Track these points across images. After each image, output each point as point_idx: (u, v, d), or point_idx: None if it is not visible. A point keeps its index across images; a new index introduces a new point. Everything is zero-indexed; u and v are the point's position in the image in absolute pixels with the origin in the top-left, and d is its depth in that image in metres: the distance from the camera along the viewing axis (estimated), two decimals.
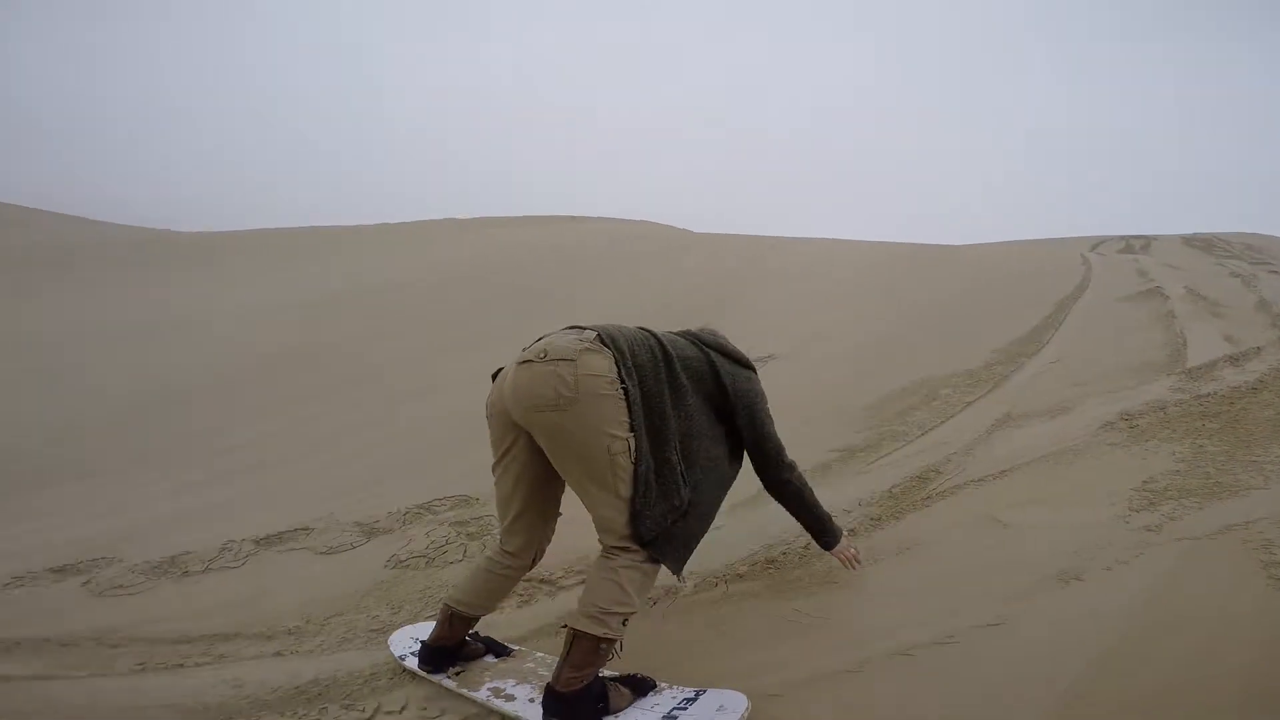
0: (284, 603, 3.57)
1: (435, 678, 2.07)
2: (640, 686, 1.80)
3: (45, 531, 4.51)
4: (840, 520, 2.80)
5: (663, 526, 1.73)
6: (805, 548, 2.82)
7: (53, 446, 5.71)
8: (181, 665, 2.95)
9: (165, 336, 7.88)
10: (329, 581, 3.73)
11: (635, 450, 1.69)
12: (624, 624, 1.74)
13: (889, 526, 3.09)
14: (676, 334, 2.05)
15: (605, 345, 1.75)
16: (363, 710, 2.12)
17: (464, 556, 3.68)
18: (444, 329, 7.55)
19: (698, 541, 1.88)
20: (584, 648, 1.67)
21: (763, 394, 2.07)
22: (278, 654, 3.00)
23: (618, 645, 1.73)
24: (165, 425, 5.97)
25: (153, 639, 3.24)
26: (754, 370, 2.08)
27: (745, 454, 2.09)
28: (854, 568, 2.38)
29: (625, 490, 1.70)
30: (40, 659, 3.16)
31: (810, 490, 2.21)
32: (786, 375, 5.81)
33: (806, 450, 4.15)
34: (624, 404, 1.69)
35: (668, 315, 7.28)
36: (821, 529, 2.30)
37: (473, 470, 4.69)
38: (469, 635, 2.12)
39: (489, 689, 1.94)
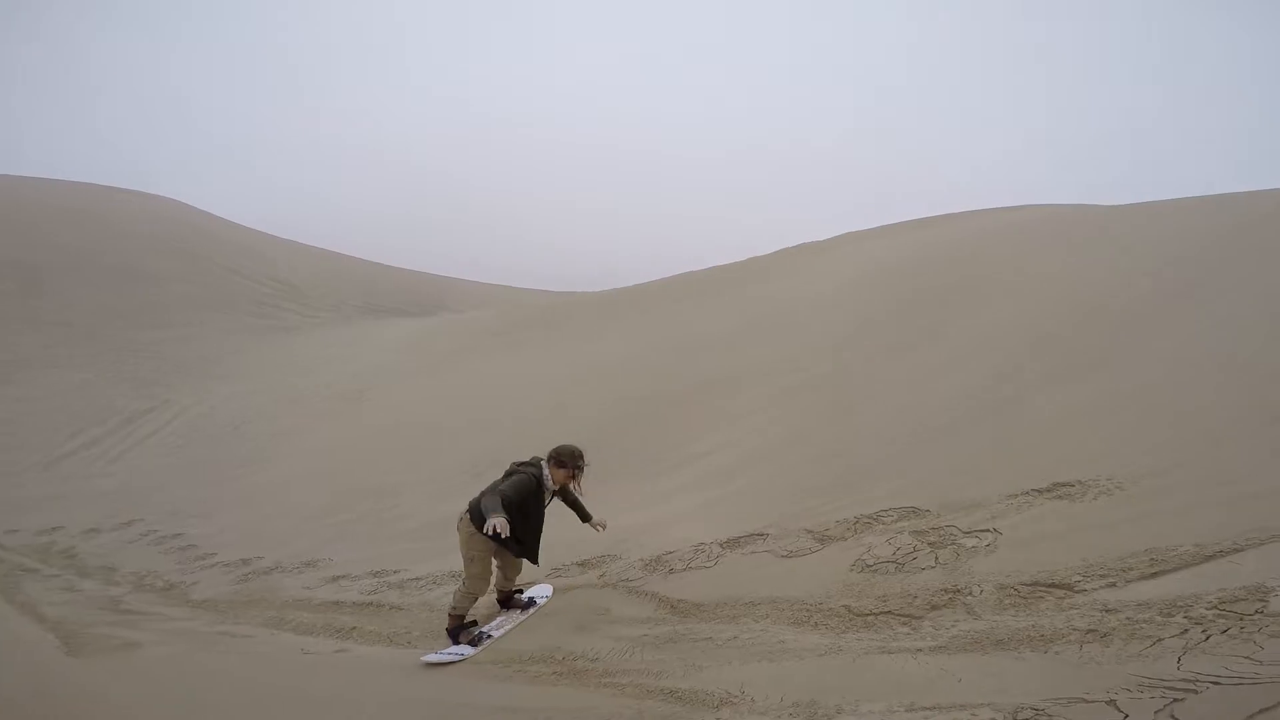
0: (760, 598, 4.04)
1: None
2: (478, 639, 4.25)
3: (563, 530, 5.90)
4: None
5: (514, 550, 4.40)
6: None
7: None
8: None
9: (623, 370, 9.87)
10: (796, 582, 4.07)
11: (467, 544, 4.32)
12: (455, 607, 4.34)
13: None
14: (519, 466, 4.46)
15: (467, 514, 4.28)
16: None
17: (935, 563, 3.63)
18: (874, 332, 7.72)
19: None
20: (449, 614, 4.33)
21: (510, 483, 4.26)
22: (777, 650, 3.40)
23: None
24: (641, 441, 7.42)
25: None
26: (521, 473, 4.36)
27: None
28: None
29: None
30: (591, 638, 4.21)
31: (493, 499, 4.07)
32: None
33: None
34: (473, 531, 4.21)
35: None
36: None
37: (915, 484, 4.64)
38: (515, 593, 4.70)
39: (499, 620, 4.56)
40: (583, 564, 5.25)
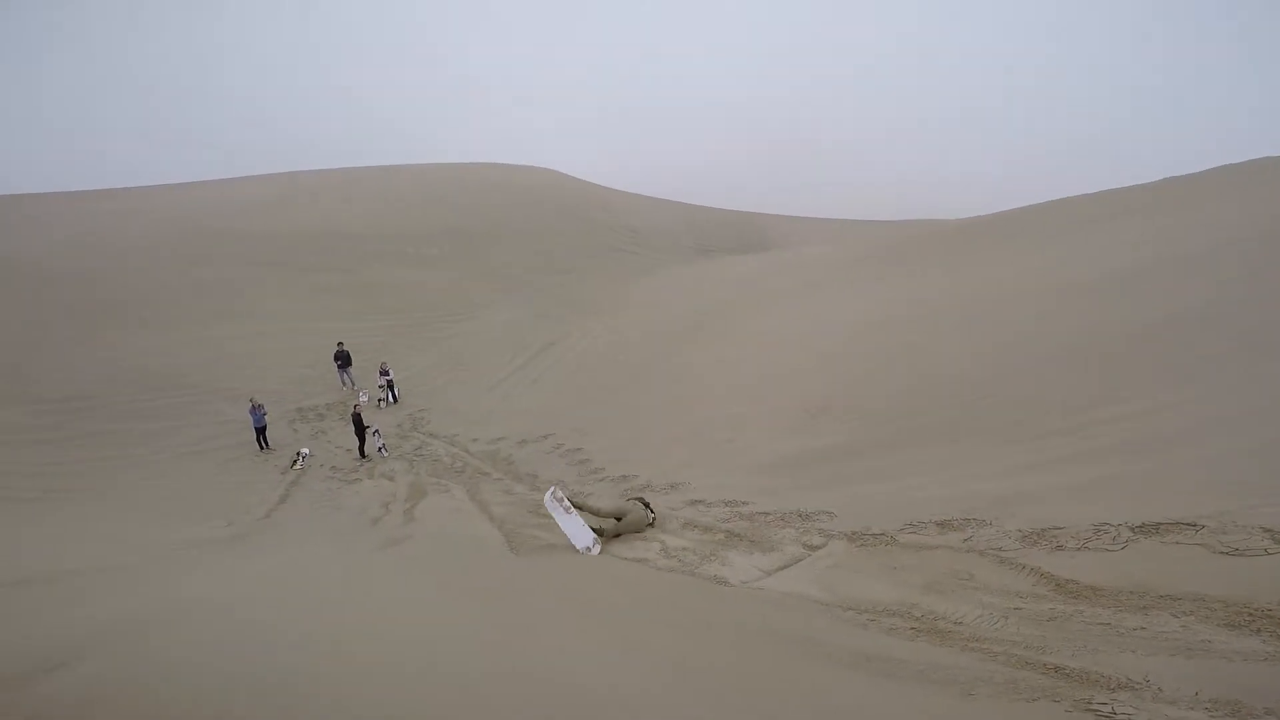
0: (1182, 593, 3.48)
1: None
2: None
3: (926, 488, 5.75)
4: None
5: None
6: None
7: (914, 413, 7.39)
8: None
9: (991, 311, 8.99)
10: (1238, 582, 3.44)
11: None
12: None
13: None
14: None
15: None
16: None
17: None
18: None
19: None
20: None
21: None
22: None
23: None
24: (1014, 396, 6.79)
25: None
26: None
27: None
28: None
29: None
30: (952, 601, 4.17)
31: None
32: None
33: None
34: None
35: None
36: None
37: None
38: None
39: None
40: (942, 524, 5.12)
